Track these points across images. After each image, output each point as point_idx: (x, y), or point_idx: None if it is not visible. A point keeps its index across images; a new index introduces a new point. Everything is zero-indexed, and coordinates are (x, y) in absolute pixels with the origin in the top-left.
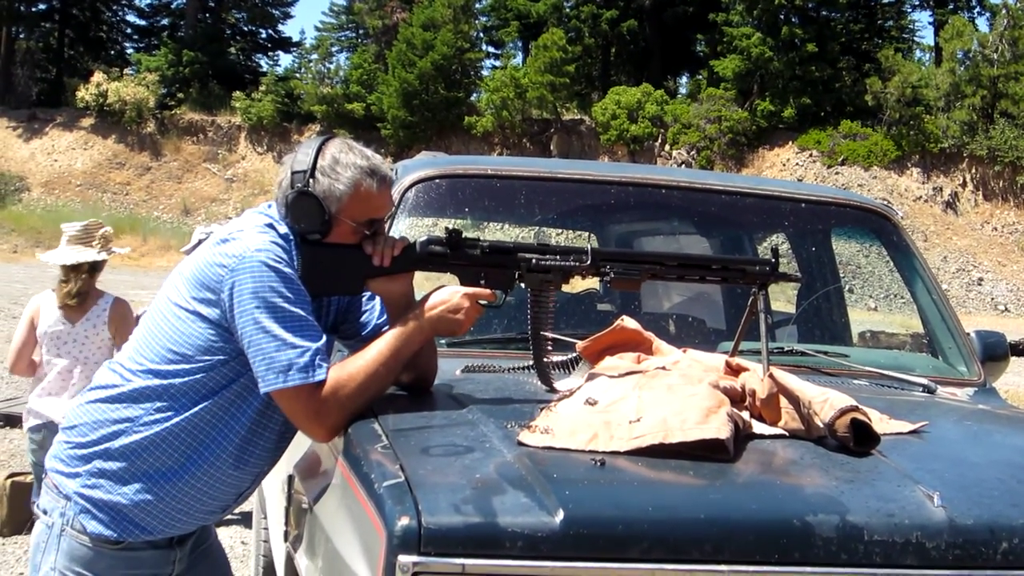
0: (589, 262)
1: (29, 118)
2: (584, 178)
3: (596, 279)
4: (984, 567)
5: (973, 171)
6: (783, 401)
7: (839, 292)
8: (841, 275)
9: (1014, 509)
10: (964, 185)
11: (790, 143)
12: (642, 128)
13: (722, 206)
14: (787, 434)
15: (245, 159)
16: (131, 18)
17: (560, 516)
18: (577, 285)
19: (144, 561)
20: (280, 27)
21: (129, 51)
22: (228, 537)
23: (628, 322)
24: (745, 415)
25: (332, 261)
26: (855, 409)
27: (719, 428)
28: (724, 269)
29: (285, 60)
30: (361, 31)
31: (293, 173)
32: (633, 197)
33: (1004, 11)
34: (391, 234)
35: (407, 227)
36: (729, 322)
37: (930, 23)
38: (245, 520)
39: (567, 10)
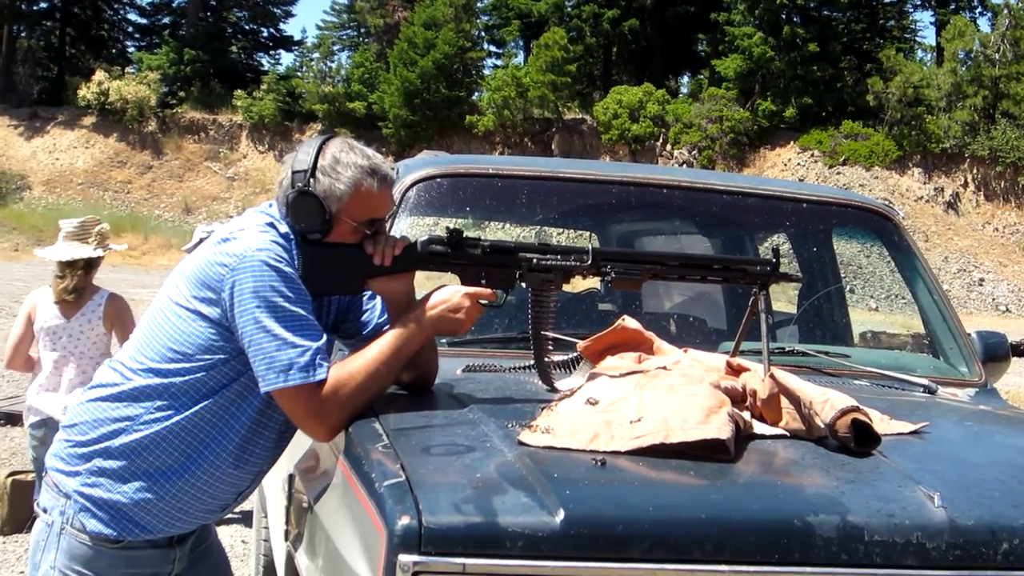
0: (590, 262)
1: (30, 116)
2: (585, 178)
3: (597, 279)
4: (985, 568)
5: (974, 171)
6: (784, 401)
7: (840, 292)
8: (842, 275)
9: (1015, 510)
10: (965, 185)
11: (791, 143)
12: (643, 128)
13: (723, 206)
14: (788, 434)
15: (246, 158)
16: (132, 17)
17: (561, 516)
18: (578, 285)
19: (144, 560)
20: (281, 26)
21: (130, 50)
22: (228, 536)
23: (629, 322)
24: (746, 415)
25: (333, 260)
26: (856, 409)
27: (720, 428)
28: (725, 269)
29: (286, 59)
30: (363, 30)
31: (294, 172)
32: (634, 197)
33: (1006, 11)
34: (392, 233)
35: (408, 226)
36: (730, 322)
37: (932, 23)
38: (245, 519)
39: (568, 9)
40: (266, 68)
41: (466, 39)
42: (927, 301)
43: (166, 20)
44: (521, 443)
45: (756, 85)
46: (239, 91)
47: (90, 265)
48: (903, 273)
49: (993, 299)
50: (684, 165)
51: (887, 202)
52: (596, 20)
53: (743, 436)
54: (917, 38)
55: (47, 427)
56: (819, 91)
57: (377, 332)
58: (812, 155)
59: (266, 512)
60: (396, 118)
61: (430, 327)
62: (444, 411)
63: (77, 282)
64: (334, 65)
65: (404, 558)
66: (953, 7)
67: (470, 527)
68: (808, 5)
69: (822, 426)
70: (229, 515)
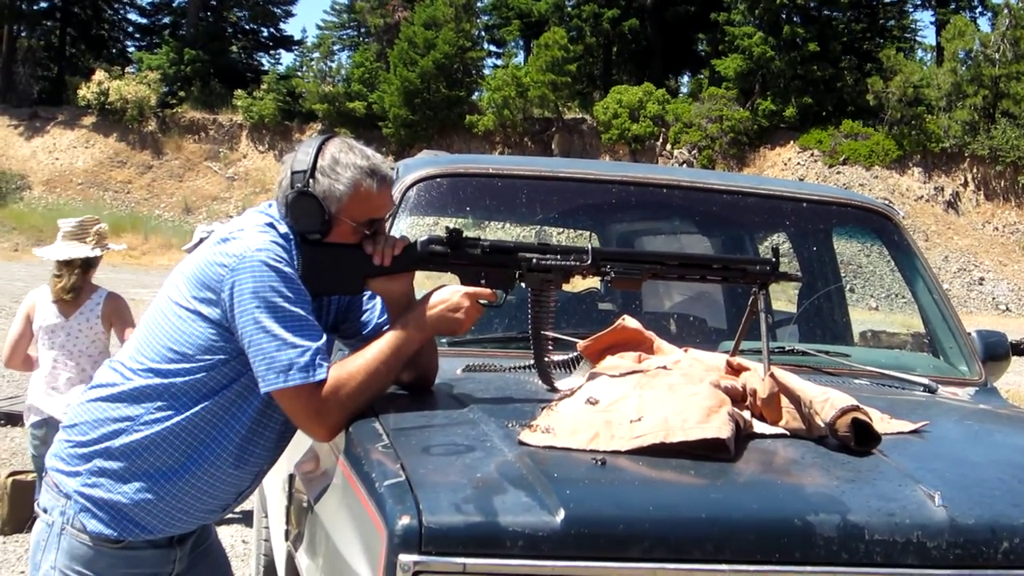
0: (590, 261)
1: (30, 116)
2: (585, 177)
3: (597, 278)
4: (985, 567)
5: (974, 171)
6: (784, 400)
7: (840, 292)
8: (842, 274)
9: (1015, 509)
10: (965, 185)
11: (791, 142)
12: (643, 127)
13: (723, 206)
14: (788, 434)
15: (246, 157)
16: (133, 16)
17: (561, 515)
18: (578, 284)
19: (144, 560)
20: (282, 25)
21: (131, 49)
22: (229, 536)
23: (629, 321)
24: (746, 414)
25: (332, 261)
26: (856, 409)
27: (720, 427)
28: (725, 269)
29: (287, 58)
30: (363, 29)
31: (293, 173)
32: (634, 196)
33: (1006, 11)
34: (392, 233)
35: (408, 226)
36: (730, 321)
37: (932, 23)
38: (246, 519)
39: (568, 9)
40: (266, 68)
41: (466, 39)
42: (927, 300)
43: (166, 20)
44: (521, 443)
45: (756, 85)
46: (239, 91)
47: (88, 265)
48: (903, 272)
49: (993, 298)
50: (684, 165)
51: (887, 201)
52: (596, 20)
53: (743, 435)
54: (917, 38)
55: (48, 426)
56: (819, 91)
57: (377, 332)
58: (812, 155)
59: (266, 512)
60: (396, 118)
61: (430, 327)
62: (444, 411)
63: (75, 281)
64: (334, 65)
65: (404, 558)
66: (953, 7)
67: (470, 527)
68: (808, 5)
69: (822, 425)
70: (229, 515)
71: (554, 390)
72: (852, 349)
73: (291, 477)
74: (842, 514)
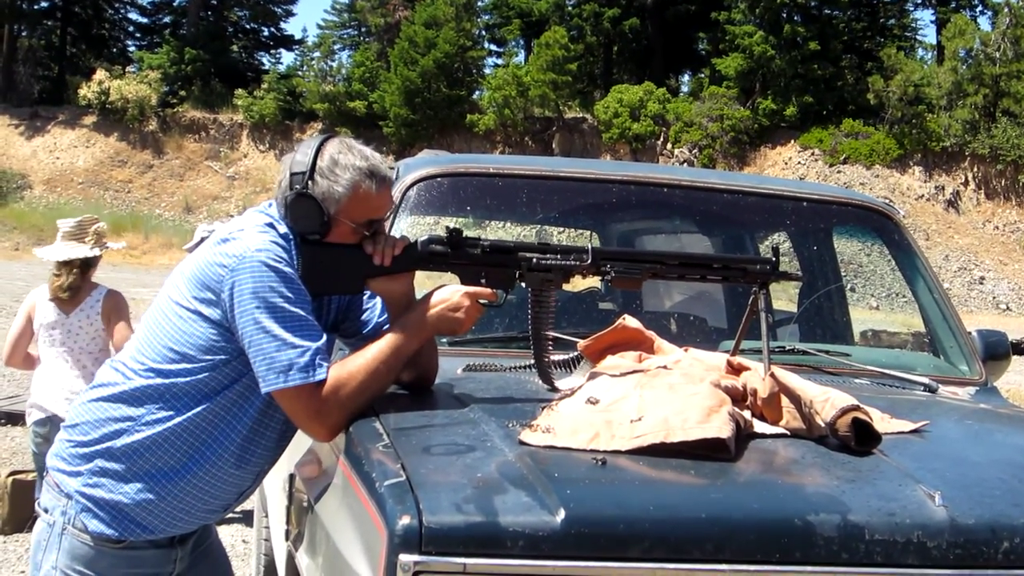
0: (590, 261)
1: (31, 116)
2: (586, 177)
3: (597, 278)
4: (985, 566)
5: (975, 170)
6: (784, 400)
7: (840, 291)
8: (843, 274)
9: (1015, 508)
10: (966, 184)
11: (792, 142)
12: (644, 126)
13: (724, 205)
14: (788, 433)
15: (247, 157)
16: (133, 16)
17: (561, 515)
18: (578, 284)
19: (145, 560)
20: (282, 25)
21: (131, 49)
22: (229, 536)
23: (629, 321)
24: (746, 414)
25: (332, 261)
26: (856, 408)
27: (720, 427)
28: (725, 268)
29: (287, 58)
30: (363, 29)
31: (292, 174)
32: (635, 196)
33: (1006, 9)
34: (392, 233)
35: (409, 226)
36: (730, 321)
37: (932, 22)
38: (246, 519)
39: (569, 8)
40: (267, 67)
41: (467, 38)
42: (927, 300)
43: (167, 19)
44: (522, 442)
45: (757, 84)
46: (240, 90)
47: (87, 264)
48: (903, 272)
49: (994, 297)
50: (685, 164)
51: (888, 201)
52: (597, 19)
53: (743, 435)
54: (918, 36)
55: (51, 424)
56: (820, 90)
57: (377, 331)
58: (813, 154)
59: (267, 512)
60: (397, 117)
61: (430, 327)
62: (444, 411)
63: (73, 280)
64: (335, 64)
65: (405, 558)
66: (953, 5)
67: (471, 527)
68: (809, 4)
69: (823, 425)
70: (230, 515)
71: (554, 390)
72: (852, 348)
73: (291, 477)
74: (842, 514)
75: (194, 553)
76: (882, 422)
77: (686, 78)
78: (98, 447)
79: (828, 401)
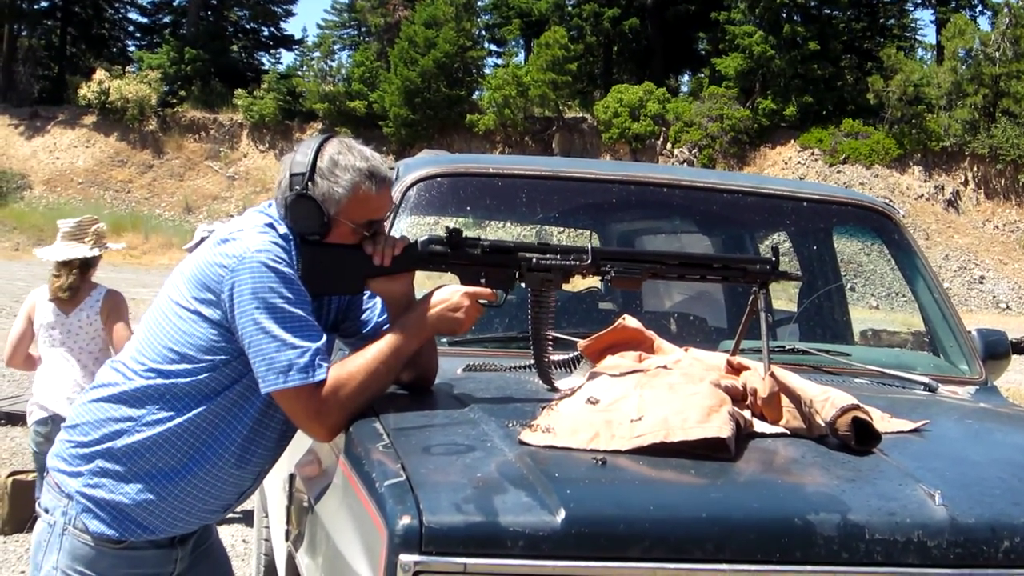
0: (590, 261)
1: (31, 116)
2: (586, 177)
3: (597, 278)
4: (985, 566)
5: (975, 169)
6: (784, 400)
7: (840, 291)
8: (843, 273)
9: (1015, 508)
10: (966, 183)
11: (792, 141)
12: (644, 126)
13: (724, 205)
14: (788, 433)
15: (247, 157)
16: (133, 16)
17: (561, 515)
18: (578, 284)
19: (146, 560)
20: (282, 25)
21: (131, 49)
22: (229, 536)
23: (629, 321)
24: (746, 414)
25: (332, 261)
26: (856, 408)
27: (720, 427)
28: (725, 268)
29: (287, 58)
30: (363, 29)
31: (292, 175)
32: (635, 196)
33: (1006, 9)
34: (392, 233)
35: (408, 226)
36: (730, 321)
37: (932, 22)
38: (246, 519)
39: (569, 8)
40: (267, 67)
41: (467, 38)
42: (927, 299)
43: (167, 19)
44: (522, 442)
45: (756, 84)
46: (240, 90)
47: (87, 264)
48: (903, 271)
49: (993, 297)
50: (684, 164)
51: (887, 200)
52: (596, 19)
53: (743, 435)
54: (917, 36)
55: (53, 423)
56: (819, 89)
57: (377, 331)
58: (812, 153)
59: (267, 512)
60: (397, 117)
61: (430, 327)
62: (444, 411)
63: (72, 281)
64: (335, 64)
65: (405, 558)
66: (953, 5)
67: (471, 527)
68: (808, 4)
69: (823, 424)
70: (230, 515)
71: (554, 390)
72: (852, 348)
73: (291, 477)
74: (842, 513)
75: (194, 553)
76: (882, 421)
77: (686, 78)
78: (99, 447)
79: (828, 400)
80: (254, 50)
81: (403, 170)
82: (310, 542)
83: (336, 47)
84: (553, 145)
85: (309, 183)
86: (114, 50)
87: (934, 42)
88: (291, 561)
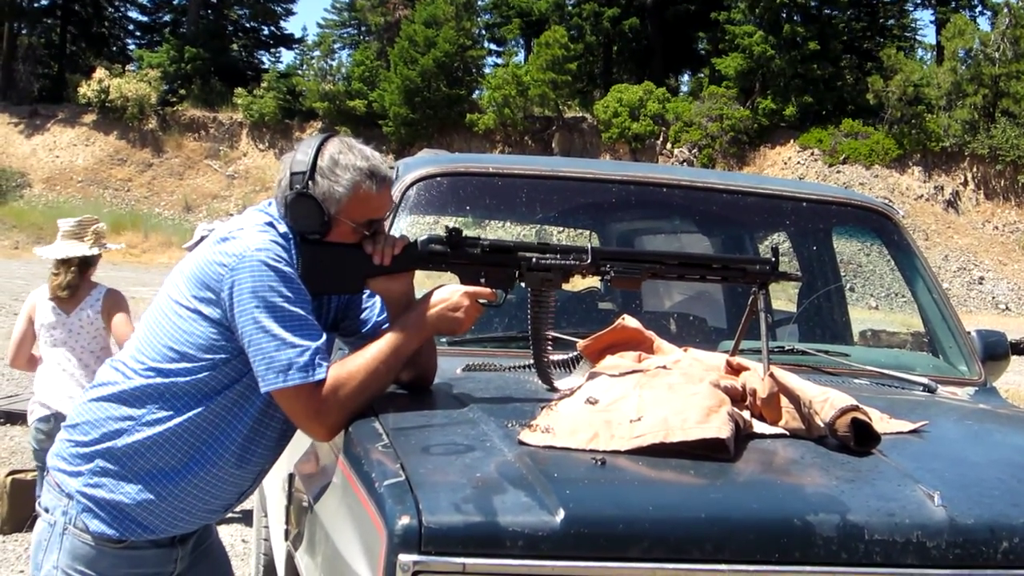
0: (589, 261)
1: (31, 114)
2: (585, 176)
3: (597, 278)
4: (984, 566)
5: (974, 170)
6: (784, 400)
7: (840, 291)
8: (842, 274)
9: (1014, 508)
10: (965, 184)
11: (792, 141)
12: (644, 126)
13: (723, 205)
14: (788, 433)
15: (247, 156)
16: (133, 14)
17: (561, 515)
18: (578, 284)
19: (146, 560)
20: (282, 24)
21: (131, 47)
22: (229, 535)
23: (629, 321)
24: (746, 414)
25: (332, 260)
26: (856, 408)
27: (720, 427)
28: (725, 268)
29: (287, 57)
30: (363, 28)
31: (292, 174)
32: (634, 196)
33: (1006, 10)
34: (392, 232)
35: (408, 225)
36: (730, 321)
37: (932, 22)
38: (246, 518)
39: (569, 8)
40: (267, 66)
41: (467, 37)
42: (927, 300)
43: (167, 18)
44: (521, 442)
45: (756, 83)
46: (240, 89)
47: (86, 263)
48: (903, 272)
49: (993, 297)
50: (684, 164)
51: (887, 201)
52: (596, 18)
53: (743, 435)
54: (917, 37)
55: (54, 421)
56: (819, 90)
57: (376, 330)
58: (812, 154)
59: (266, 511)
60: (396, 116)
61: (430, 326)
62: (444, 410)
63: (71, 279)
64: (335, 63)
65: (404, 558)
66: (953, 5)
67: (470, 527)
68: (808, 4)
69: (822, 425)
70: (230, 514)
71: (554, 390)
72: (852, 349)
73: (291, 477)
74: (842, 514)
75: (194, 553)
76: (881, 422)
77: (686, 78)
78: (99, 447)
79: (827, 401)
80: (254, 49)
81: (403, 169)
82: (309, 542)
83: (336, 46)
84: (553, 145)
85: (309, 182)
86: (114, 48)
87: (934, 42)
88: (290, 561)
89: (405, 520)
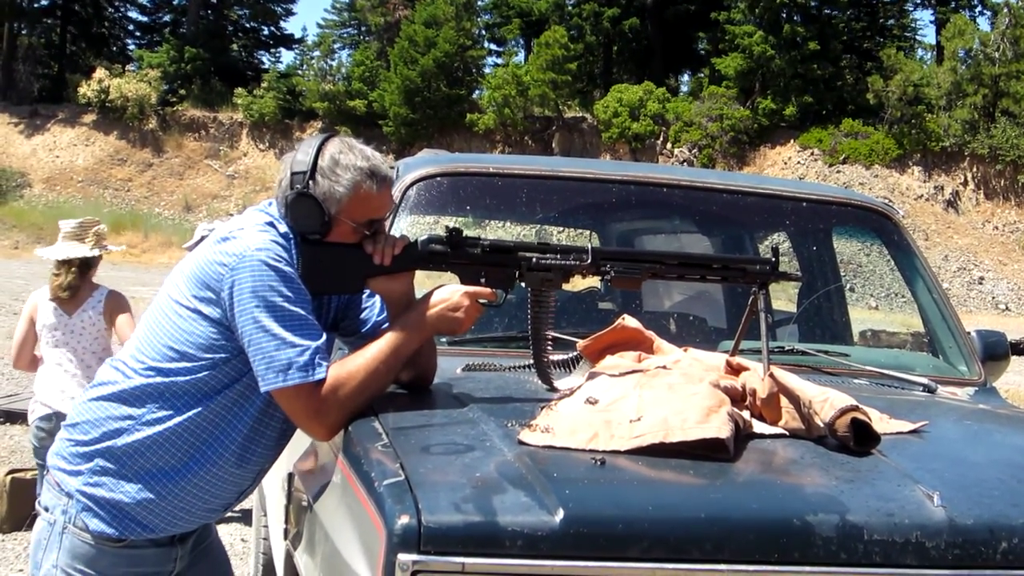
0: (590, 261)
1: (31, 114)
2: (585, 176)
3: (597, 278)
4: (984, 567)
5: (974, 170)
6: (783, 400)
7: (840, 291)
8: (842, 274)
9: (1014, 509)
10: (965, 184)
11: (792, 141)
12: (644, 126)
13: (723, 205)
14: (787, 433)
15: (247, 156)
16: (133, 14)
17: (560, 515)
18: (578, 284)
19: (146, 559)
20: (282, 24)
21: (131, 47)
22: (228, 535)
23: (629, 321)
24: (746, 414)
25: (332, 260)
26: (855, 408)
27: (720, 427)
28: (725, 268)
29: (287, 57)
30: (363, 28)
31: (292, 174)
32: (634, 196)
33: (1005, 10)
34: (392, 232)
35: (408, 225)
36: (730, 321)
37: (932, 22)
38: (245, 518)
39: (569, 8)
40: (267, 66)
41: (467, 37)
42: (927, 300)
43: (167, 18)
44: (521, 442)
45: (756, 83)
46: (240, 89)
47: (87, 265)
48: (903, 272)
49: (993, 297)
50: (684, 164)
51: (887, 201)
52: (596, 18)
53: (743, 435)
54: (917, 37)
55: (55, 420)
56: (819, 89)
57: (376, 330)
58: (812, 153)
59: (266, 511)
60: (396, 116)
61: (430, 326)
62: (444, 410)
63: (72, 280)
64: (335, 63)
65: (403, 557)
66: (953, 6)
67: (469, 526)
68: (808, 4)
69: (821, 425)
70: (229, 513)
71: (553, 390)
72: (852, 349)
73: (290, 476)
74: (841, 514)
75: (194, 552)
76: (881, 422)
77: (686, 78)
78: (99, 446)
79: (827, 401)
80: (254, 49)
81: (403, 169)
82: (309, 541)
83: (336, 46)
84: (553, 145)
85: (310, 182)
86: (114, 49)
87: (934, 42)
88: (289, 560)
89: (404, 520)
